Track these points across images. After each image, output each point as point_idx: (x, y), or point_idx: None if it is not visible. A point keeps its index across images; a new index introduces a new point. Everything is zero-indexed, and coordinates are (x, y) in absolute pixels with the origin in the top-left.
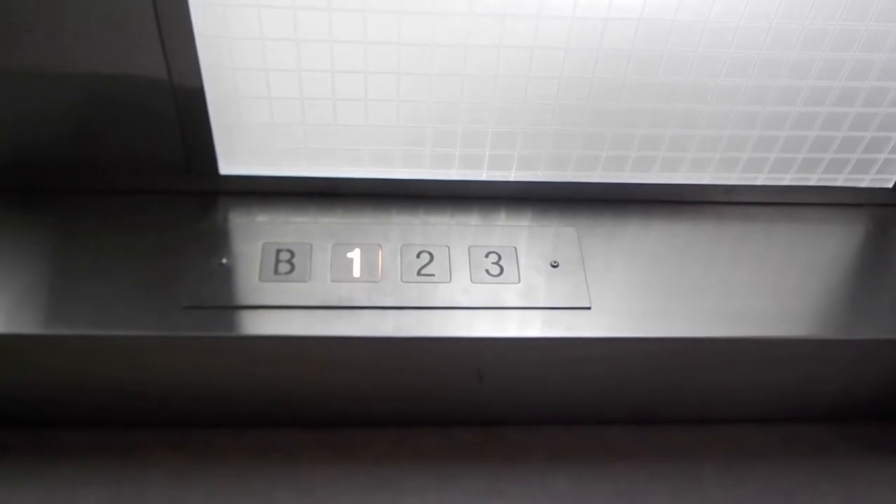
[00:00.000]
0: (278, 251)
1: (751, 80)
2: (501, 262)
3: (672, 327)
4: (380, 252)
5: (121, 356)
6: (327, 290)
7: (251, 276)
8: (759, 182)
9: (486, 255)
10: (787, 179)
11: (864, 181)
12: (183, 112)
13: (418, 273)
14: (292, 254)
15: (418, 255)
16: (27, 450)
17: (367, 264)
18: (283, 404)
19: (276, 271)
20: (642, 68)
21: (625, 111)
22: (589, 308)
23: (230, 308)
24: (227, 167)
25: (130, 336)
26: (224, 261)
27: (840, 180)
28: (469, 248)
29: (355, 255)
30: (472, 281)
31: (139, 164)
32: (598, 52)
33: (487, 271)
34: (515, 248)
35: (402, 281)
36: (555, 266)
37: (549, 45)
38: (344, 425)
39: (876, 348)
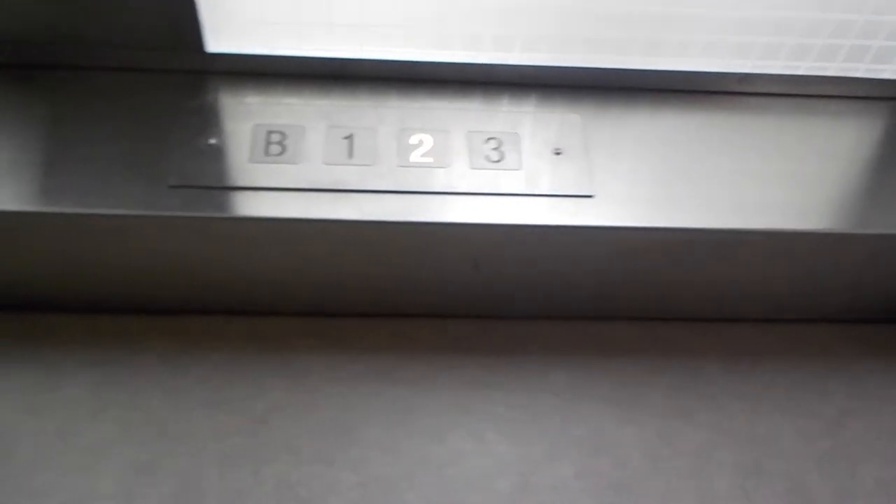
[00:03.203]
0: (269, 132)
1: None
2: (502, 149)
3: (678, 217)
4: (375, 135)
5: (106, 236)
6: (320, 173)
7: (240, 157)
8: (774, 71)
9: (487, 141)
10: (804, 68)
11: (886, 72)
12: None
13: (415, 157)
14: (284, 135)
15: (416, 140)
16: (12, 333)
17: (363, 148)
18: (275, 292)
19: (266, 152)
20: None
21: None
22: (592, 196)
23: (218, 188)
24: (215, 44)
25: (114, 214)
26: (213, 141)
27: (860, 70)
28: (469, 133)
29: (350, 137)
30: (470, 167)
31: (124, 40)
32: None
33: (487, 157)
34: (517, 134)
35: (397, 165)
36: (558, 153)
37: None
38: (338, 315)
39: (891, 243)
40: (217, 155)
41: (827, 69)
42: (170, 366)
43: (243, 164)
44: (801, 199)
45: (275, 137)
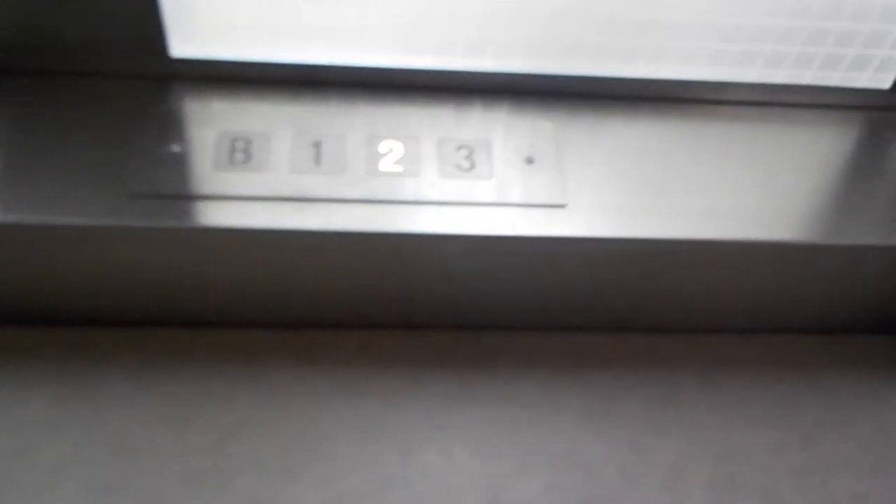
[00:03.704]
0: (234, 139)
1: None
2: (473, 157)
3: (651, 228)
4: (343, 142)
5: (65, 246)
6: (286, 182)
7: (204, 165)
8: (750, 80)
9: (458, 149)
10: (779, 77)
11: (861, 81)
12: None
13: (384, 165)
14: (249, 142)
15: (385, 147)
16: None
17: (330, 155)
18: (241, 303)
19: (231, 160)
20: None
21: None
22: (564, 206)
23: (180, 197)
24: (180, 48)
25: (72, 225)
26: (176, 148)
27: (835, 79)
28: (439, 140)
29: (317, 145)
30: (441, 175)
31: (85, 45)
32: None
33: (458, 166)
34: (488, 141)
35: (366, 173)
36: (530, 162)
37: None
38: (306, 326)
39: (865, 254)
40: (180, 162)
41: (803, 77)
42: (133, 380)
43: (207, 171)
44: (775, 208)
45: (240, 144)
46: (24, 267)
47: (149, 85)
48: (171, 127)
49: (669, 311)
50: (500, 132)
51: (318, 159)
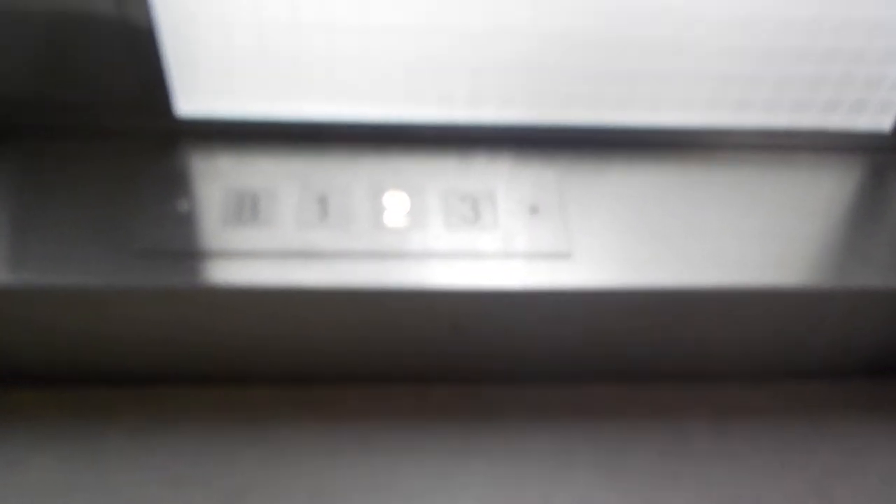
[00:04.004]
0: (241, 195)
1: (743, 8)
2: (477, 208)
3: (656, 276)
4: (349, 196)
5: (71, 306)
6: (293, 237)
7: (211, 221)
8: (749, 125)
9: (462, 200)
10: (778, 122)
11: (860, 124)
12: (135, 47)
13: (390, 218)
14: (256, 198)
15: (390, 200)
16: None
17: (336, 209)
18: (247, 359)
19: (238, 216)
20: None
21: (607, 42)
22: (569, 255)
23: (187, 254)
24: (186, 105)
25: (80, 286)
26: (183, 205)
27: (835, 122)
28: (443, 192)
29: (323, 199)
30: (446, 227)
31: (92, 103)
32: None
33: (463, 217)
34: (492, 192)
35: (372, 227)
36: (534, 211)
37: None
38: (313, 381)
39: (871, 298)
40: (187, 219)
41: (803, 121)
42: (139, 440)
43: (214, 228)
44: (779, 253)
45: (247, 200)
46: (29, 327)
47: (155, 143)
48: (178, 184)
49: (677, 359)
50: (504, 182)
51: (324, 214)
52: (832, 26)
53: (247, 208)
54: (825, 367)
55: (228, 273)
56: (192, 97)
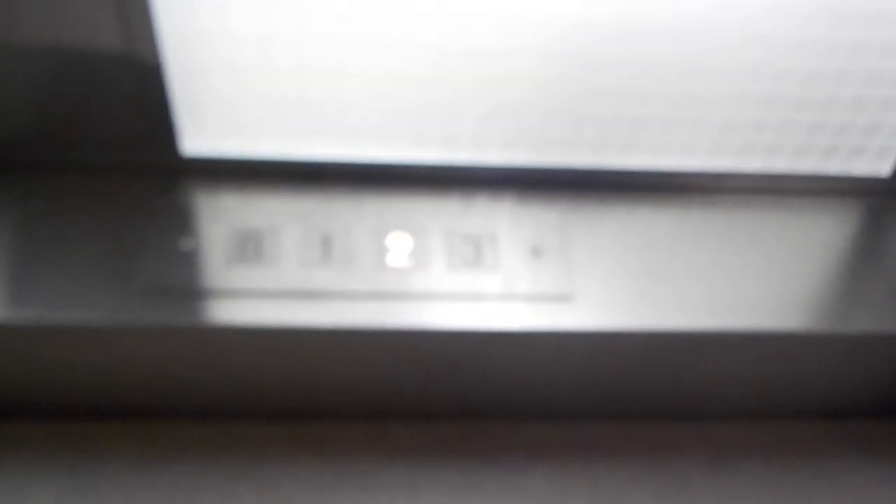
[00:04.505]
0: (244, 234)
1: (744, 57)
2: (480, 249)
3: (658, 319)
4: (352, 237)
5: (75, 343)
6: (295, 277)
7: (215, 260)
8: (749, 170)
9: (464, 241)
10: (778, 167)
11: (859, 169)
12: (142, 85)
13: (392, 259)
14: (260, 237)
15: (393, 241)
16: None
17: (339, 250)
18: (248, 396)
19: (241, 255)
20: (629, 44)
21: (611, 89)
22: (571, 297)
23: (190, 293)
24: (191, 144)
25: (83, 323)
26: (187, 243)
27: (834, 167)
28: (446, 233)
29: (326, 239)
30: (448, 268)
31: (97, 142)
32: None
33: (465, 259)
34: (495, 234)
35: (374, 268)
36: (535, 252)
37: (531, 16)
38: (313, 418)
39: (869, 342)
40: (191, 258)
41: (802, 166)
42: (139, 474)
43: (218, 266)
44: (778, 297)
45: (250, 240)
46: (31, 362)
47: (160, 180)
48: (182, 222)
49: (676, 399)
50: (507, 224)
51: (326, 254)
52: (832, 75)
53: (250, 247)
54: (824, 408)
55: (231, 312)
56: (198, 135)
